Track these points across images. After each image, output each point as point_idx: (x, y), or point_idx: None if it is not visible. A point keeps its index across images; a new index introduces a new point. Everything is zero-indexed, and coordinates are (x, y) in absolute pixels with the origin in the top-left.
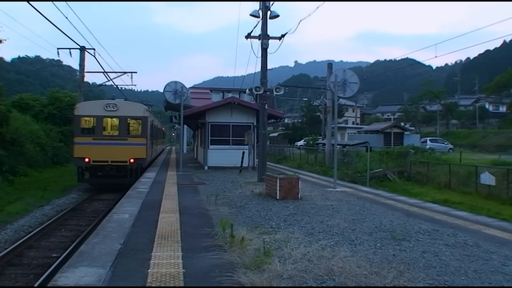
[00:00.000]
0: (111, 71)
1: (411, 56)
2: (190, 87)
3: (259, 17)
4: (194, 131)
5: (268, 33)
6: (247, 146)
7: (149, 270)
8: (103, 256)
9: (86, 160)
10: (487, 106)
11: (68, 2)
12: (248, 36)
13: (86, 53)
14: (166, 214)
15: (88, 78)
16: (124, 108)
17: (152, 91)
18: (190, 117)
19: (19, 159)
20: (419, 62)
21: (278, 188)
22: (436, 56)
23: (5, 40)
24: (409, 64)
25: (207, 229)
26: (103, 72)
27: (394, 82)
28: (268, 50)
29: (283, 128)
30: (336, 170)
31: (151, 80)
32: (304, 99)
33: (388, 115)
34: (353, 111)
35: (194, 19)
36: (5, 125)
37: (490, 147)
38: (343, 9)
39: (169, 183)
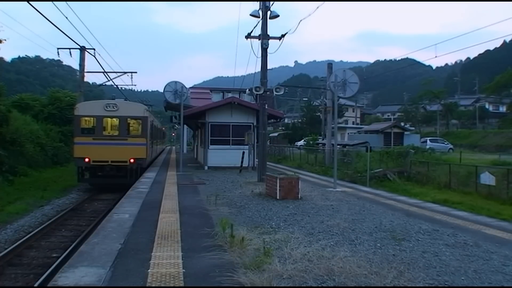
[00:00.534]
0: (111, 71)
1: (411, 56)
2: (190, 87)
3: (259, 17)
4: (194, 131)
5: (268, 33)
6: (247, 146)
7: (149, 270)
8: (103, 256)
9: (86, 160)
10: (487, 106)
11: (68, 2)
12: (248, 36)
13: (86, 53)
14: (166, 214)
15: (88, 78)
16: (124, 108)
17: (152, 91)
18: (190, 117)
19: (19, 159)
20: (419, 62)
21: (278, 188)
22: (436, 56)
23: (5, 40)
24: (409, 64)
25: (207, 229)
26: (103, 72)
27: (394, 82)
28: (268, 50)
29: (283, 128)
30: (336, 170)
31: (151, 80)
32: (304, 99)
33: (388, 115)
34: (353, 111)
35: (194, 19)
36: (5, 125)
37: (490, 147)
38: (343, 9)
39: (169, 183)
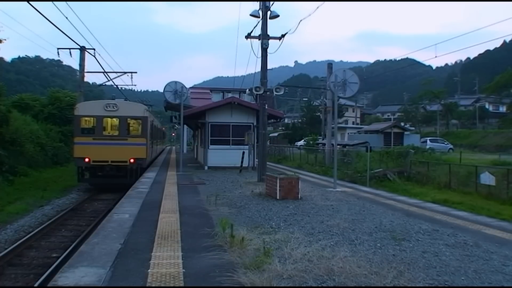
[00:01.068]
0: (111, 71)
1: (411, 56)
2: (190, 87)
3: (259, 17)
4: (194, 131)
5: (268, 33)
6: (247, 146)
7: (149, 270)
8: (103, 256)
9: (86, 160)
10: (487, 106)
11: (68, 2)
12: (248, 36)
13: (86, 53)
14: (166, 214)
15: (88, 78)
16: (124, 108)
17: (152, 91)
18: (190, 117)
19: (19, 159)
20: (419, 62)
21: (278, 188)
22: (436, 56)
23: (5, 40)
24: (409, 64)
25: (207, 229)
26: (103, 72)
27: (394, 82)
28: (268, 50)
29: (283, 128)
30: (336, 170)
31: (151, 80)
32: (304, 99)
33: (388, 115)
34: (353, 111)
35: (194, 19)
36: (5, 125)
37: (490, 147)
38: (343, 9)
39: (169, 183)
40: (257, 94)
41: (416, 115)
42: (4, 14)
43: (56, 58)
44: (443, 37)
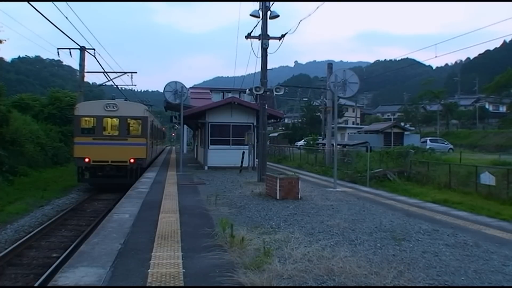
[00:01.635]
0: (111, 71)
1: (411, 56)
2: (190, 87)
3: (259, 17)
4: (194, 131)
5: (268, 33)
6: (247, 146)
7: (149, 270)
8: (103, 256)
9: (86, 160)
10: (487, 106)
11: (68, 2)
12: (248, 36)
13: (86, 53)
14: (166, 214)
15: (88, 78)
16: (124, 108)
17: (152, 91)
18: (190, 117)
19: (19, 159)
20: (419, 62)
21: (278, 188)
22: (436, 56)
23: (5, 40)
24: (409, 64)
25: (207, 229)
26: (103, 72)
27: (394, 82)
28: (268, 50)
29: (283, 128)
30: (336, 170)
31: (151, 80)
32: (304, 99)
33: (388, 115)
34: (353, 111)
35: (194, 19)
36: (5, 125)
37: (490, 147)
38: (343, 9)
39: (169, 183)
40: (257, 94)
41: (416, 115)
42: (4, 14)
43: (56, 58)
44: (443, 37)
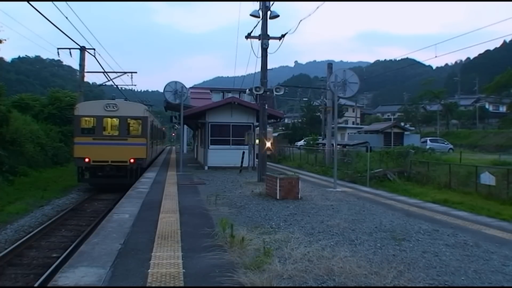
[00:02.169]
0: (111, 71)
1: (411, 56)
2: (190, 87)
3: (259, 17)
4: (194, 131)
5: (268, 33)
6: (247, 146)
7: (149, 270)
8: (103, 256)
9: (86, 160)
10: (487, 106)
11: (68, 2)
12: (248, 36)
13: (86, 53)
14: (166, 214)
15: (88, 78)
16: (124, 108)
17: (152, 91)
18: (190, 117)
19: (19, 159)
20: (419, 62)
21: (278, 188)
22: (436, 56)
23: (5, 40)
24: (409, 64)
25: (207, 229)
26: (103, 72)
27: (394, 82)
28: (268, 50)
29: (283, 128)
30: (336, 170)
31: (151, 80)
32: (304, 99)
33: (388, 115)
34: (353, 111)
35: (194, 19)
36: (5, 125)
37: (490, 147)
38: (343, 9)
39: (169, 183)
40: (257, 94)
41: (416, 115)
42: (4, 14)
43: (56, 58)
44: (443, 37)
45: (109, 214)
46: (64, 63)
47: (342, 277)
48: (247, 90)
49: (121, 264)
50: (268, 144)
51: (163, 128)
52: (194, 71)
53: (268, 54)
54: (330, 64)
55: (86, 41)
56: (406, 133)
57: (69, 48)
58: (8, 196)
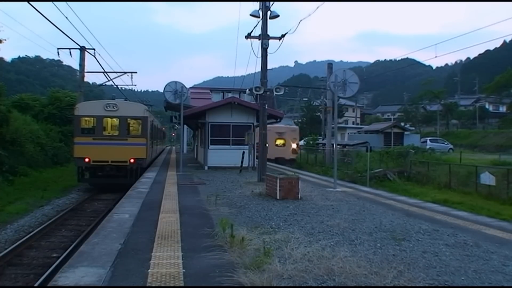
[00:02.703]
0: (111, 71)
1: (411, 56)
2: (190, 87)
3: (259, 17)
4: (194, 131)
5: (268, 33)
6: (247, 146)
7: (149, 270)
8: (103, 256)
9: (86, 160)
10: (487, 106)
11: (68, 2)
12: (248, 36)
13: (86, 53)
14: (166, 214)
15: (88, 78)
16: (124, 108)
17: (152, 91)
18: (190, 117)
19: (19, 159)
20: (419, 62)
21: (278, 188)
22: (436, 56)
23: (5, 40)
24: (409, 64)
25: (207, 229)
26: (103, 72)
27: (394, 82)
28: (268, 50)
29: None
30: (336, 170)
31: (151, 80)
32: (304, 99)
33: (388, 115)
34: (353, 111)
35: (194, 19)
36: (5, 125)
37: (490, 147)
38: (343, 9)
39: (169, 183)
40: (257, 94)
41: (416, 115)
42: (4, 14)
43: (56, 58)
44: (443, 37)
45: (109, 214)
46: (64, 63)
47: (342, 277)
48: (247, 90)
49: (121, 264)
50: (294, 146)
51: (163, 128)
52: (194, 71)
53: (268, 54)
54: (330, 64)
55: (86, 41)
56: (406, 133)
57: (69, 48)
58: (8, 196)
